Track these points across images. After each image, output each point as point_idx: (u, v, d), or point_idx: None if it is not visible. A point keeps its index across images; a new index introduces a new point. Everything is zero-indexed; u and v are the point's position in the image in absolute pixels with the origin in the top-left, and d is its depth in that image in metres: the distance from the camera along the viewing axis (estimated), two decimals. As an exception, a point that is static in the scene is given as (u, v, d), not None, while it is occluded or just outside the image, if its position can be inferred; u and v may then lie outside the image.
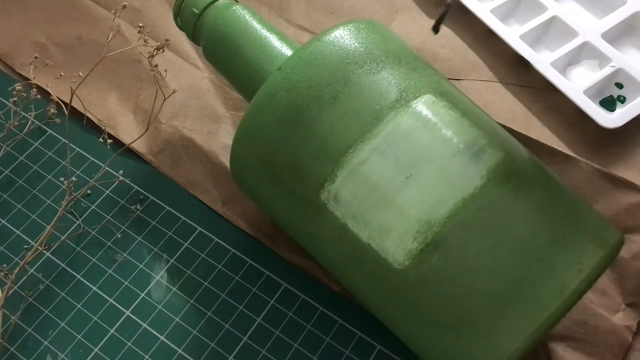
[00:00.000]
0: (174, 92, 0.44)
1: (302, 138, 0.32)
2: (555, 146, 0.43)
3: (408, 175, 0.30)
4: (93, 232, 0.43)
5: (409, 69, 0.33)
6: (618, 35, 0.47)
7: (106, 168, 0.45)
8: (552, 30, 0.48)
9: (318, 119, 0.32)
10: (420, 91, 0.32)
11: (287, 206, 0.34)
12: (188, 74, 0.49)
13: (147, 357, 0.39)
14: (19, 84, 0.46)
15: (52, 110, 0.46)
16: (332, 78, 0.32)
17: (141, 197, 0.45)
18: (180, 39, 0.50)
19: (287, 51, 0.37)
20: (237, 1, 0.40)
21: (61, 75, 0.46)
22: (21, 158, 0.47)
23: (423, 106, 0.32)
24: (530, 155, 0.33)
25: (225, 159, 0.45)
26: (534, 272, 0.28)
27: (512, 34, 0.47)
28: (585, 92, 0.44)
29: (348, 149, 0.31)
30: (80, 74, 0.43)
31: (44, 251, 0.42)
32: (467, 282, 0.29)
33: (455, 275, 0.29)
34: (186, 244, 0.43)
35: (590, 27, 0.47)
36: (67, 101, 0.42)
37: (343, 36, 0.33)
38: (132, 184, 0.45)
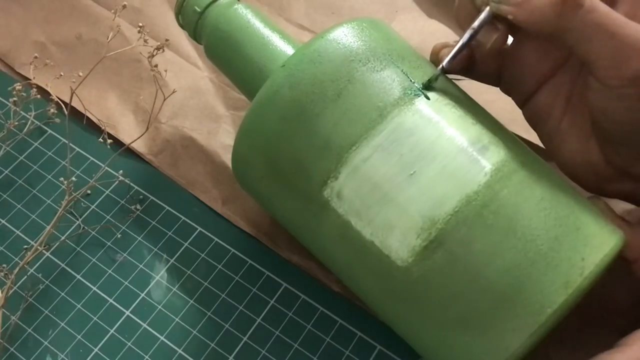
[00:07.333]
0: (174, 92, 0.44)
1: (306, 135, 0.32)
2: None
3: (411, 172, 0.30)
4: (93, 232, 0.43)
5: (412, 67, 0.33)
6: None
7: (106, 168, 0.45)
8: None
9: (321, 116, 0.32)
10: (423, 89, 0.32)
11: (289, 203, 0.34)
12: (188, 73, 0.49)
13: (147, 357, 0.39)
14: (18, 83, 0.46)
15: (52, 110, 0.46)
16: (336, 75, 0.32)
17: (141, 197, 0.45)
18: (180, 38, 0.50)
19: (290, 49, 0.38)
20: (238, 0, 0.41)
21: (61, 75, 0.46)
22: (21, 158, 0.47)
23: (426, 104, 0.32)
24: (532, 154, 0.33)
25: (226, 158, 0.45)
26: (537, 269, 0.28)
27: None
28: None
29: (351, 146, 0.31)
30: (80, 73, 0.43)
31: (44, 251, 0.42)
32: (471, 279, 0.29)
33: (459, 272, 0.29)
34: (186, 244, 0.43)
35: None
36: (67, 101, 0.42)
37: (347, 34, 0.33)
38: (132, 184, 0.45)
